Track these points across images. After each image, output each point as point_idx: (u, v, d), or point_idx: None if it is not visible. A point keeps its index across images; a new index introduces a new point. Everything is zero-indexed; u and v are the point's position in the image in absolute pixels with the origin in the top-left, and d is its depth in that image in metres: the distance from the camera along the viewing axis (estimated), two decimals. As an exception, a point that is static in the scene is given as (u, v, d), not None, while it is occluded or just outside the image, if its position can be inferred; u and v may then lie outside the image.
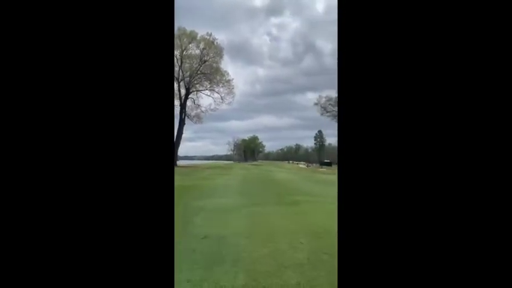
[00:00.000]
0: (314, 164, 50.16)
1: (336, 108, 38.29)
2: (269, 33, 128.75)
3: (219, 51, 27.60)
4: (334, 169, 40.05)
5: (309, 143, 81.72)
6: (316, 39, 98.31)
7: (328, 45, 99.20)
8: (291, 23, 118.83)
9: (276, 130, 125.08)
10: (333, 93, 39.57)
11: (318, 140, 63.93)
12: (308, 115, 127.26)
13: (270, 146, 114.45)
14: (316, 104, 39.58)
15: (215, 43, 27.07)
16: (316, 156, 61.89)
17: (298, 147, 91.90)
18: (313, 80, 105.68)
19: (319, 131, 63.27)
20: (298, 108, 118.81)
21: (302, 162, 58.16)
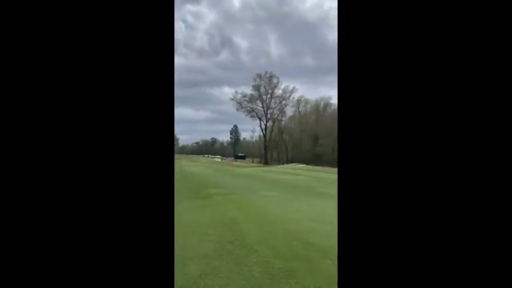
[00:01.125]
0: (229, 158, 51.29)
1: (250, 104, 39.87)
2: (184, 20, 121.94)
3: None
4: (248, 162, 42.08)
5: (224, 137, 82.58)
6: (232, 34, 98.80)
7: (244, 42, 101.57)
8: (207, 14, 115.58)
9: (191, 123, 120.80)
10: (248, 90, 41.08)
11: (234, 134, 65.45)
12: (225, 109, 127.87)
13: (185, 139, 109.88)
14: (232, 99, 40.31)
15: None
16: (232, 150, 63.32)
17: (214, 141, 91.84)
18: (229, 75, 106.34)
19: (235, 126, 64.78)
20: (215, 101, 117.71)
21: (218, 156, 58.65)
